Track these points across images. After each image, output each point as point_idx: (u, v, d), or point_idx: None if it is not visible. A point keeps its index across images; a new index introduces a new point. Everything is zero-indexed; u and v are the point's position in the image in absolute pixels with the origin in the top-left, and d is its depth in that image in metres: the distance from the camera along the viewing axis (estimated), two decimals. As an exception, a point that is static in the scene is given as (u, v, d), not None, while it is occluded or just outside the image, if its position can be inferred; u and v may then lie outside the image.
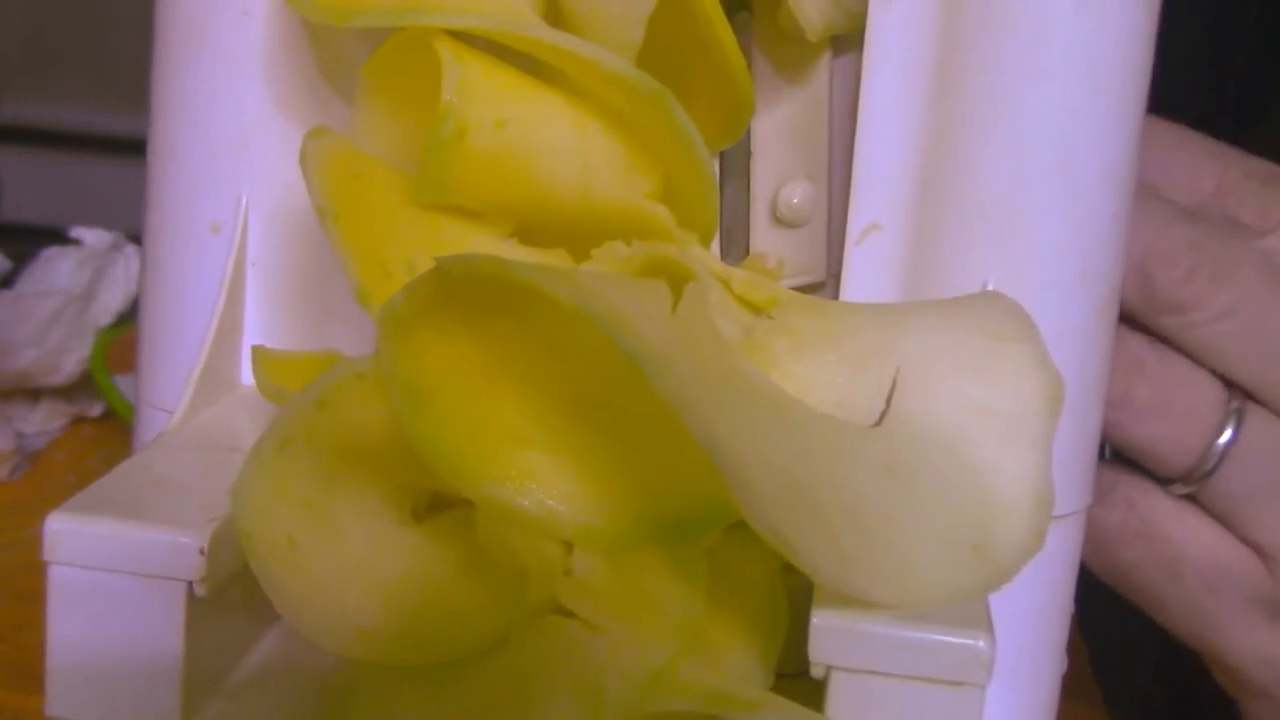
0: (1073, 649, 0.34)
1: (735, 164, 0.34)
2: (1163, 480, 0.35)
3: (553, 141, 0.30)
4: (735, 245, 0.35)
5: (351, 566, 0.27)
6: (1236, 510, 0.35)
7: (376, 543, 0.28)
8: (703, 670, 0.27)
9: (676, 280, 0.29)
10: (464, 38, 0.29)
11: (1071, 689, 0.34)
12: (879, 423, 0.27)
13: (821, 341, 0.28)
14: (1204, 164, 0.36)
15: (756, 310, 0.30)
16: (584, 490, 0.27)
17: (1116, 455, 0.36)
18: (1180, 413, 0.34)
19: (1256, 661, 0.37)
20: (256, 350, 0.31)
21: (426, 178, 0.28)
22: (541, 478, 0.26)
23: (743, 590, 0.29)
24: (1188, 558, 0.36)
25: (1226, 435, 0.35)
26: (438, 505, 0.28)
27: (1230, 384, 0.35)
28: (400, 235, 0.29)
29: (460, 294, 0.25)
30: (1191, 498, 0.36)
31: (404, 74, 0.30)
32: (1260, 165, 0.36)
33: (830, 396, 0.27)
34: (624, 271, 0.30)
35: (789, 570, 0.28)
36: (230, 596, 0.27)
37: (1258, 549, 0.36)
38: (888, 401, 0.27)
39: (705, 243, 0.31)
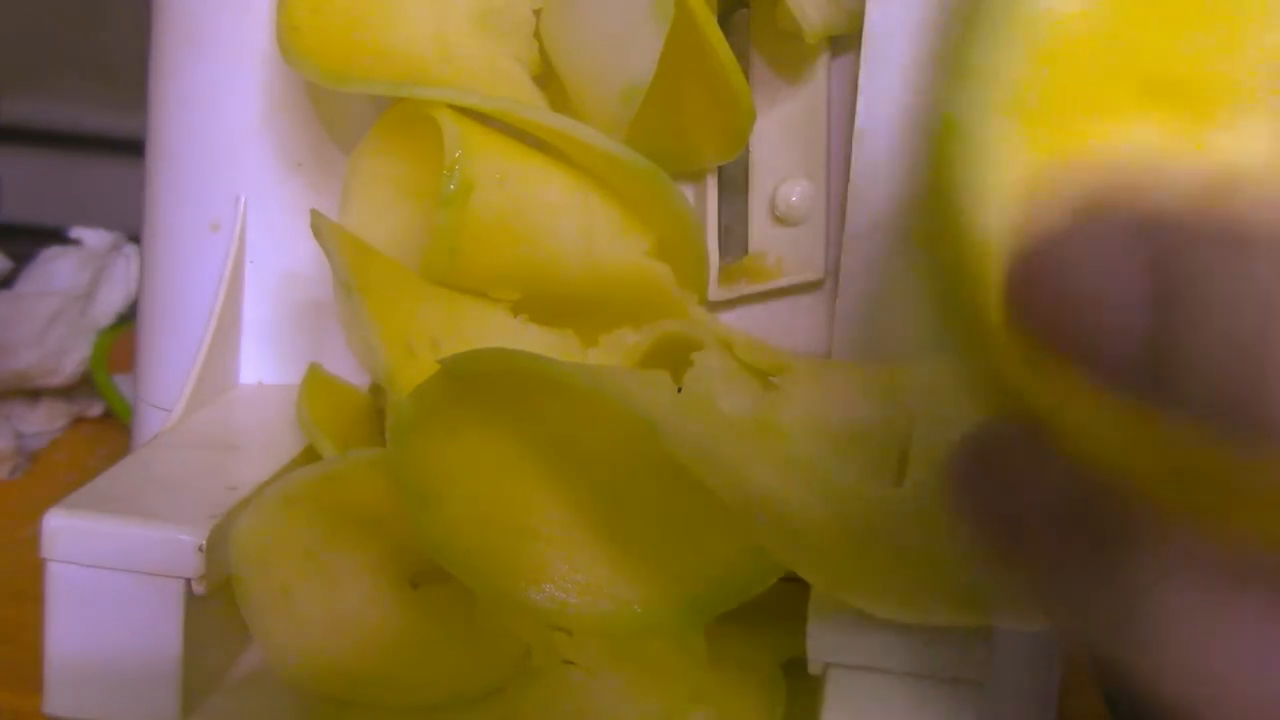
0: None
1: (734, 163, 0.34)
2: None
3: (553, 199, 0.30)
4: (734, 243, 0.35)
5: (345, 618, 0.28)
6: None
7: (371, 599, 0.28)
8: None
9: (683, 349, 0.30)
10: (461, 109, 0.29)
11: (1072, 689, 0.34)
12: (900, 484, 0.27)
13: (830, 413, 0.29)
14: None
15: (761, 374, 0.31)
16: (593, 580, 0.27)
17: None
18: None
19: None
20: (313, 368, 0.32)
21: (436, 237, 0.28)
22: (551, 571, 0.27)
23: (744, 670, 0.29)
24: None
25: None
26: (435, 575, 0.28)
27: None
28: (420, 313, 0.29)
29: (468, 391, 0.26)
30: None
31: (392, 162, 0.31)
32: None
33: (845, 467, 0.28)
34: (631, 358, 0.31)
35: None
36: (228, 594, 0.27)
37: None
38: (902, 465, 0.27)
39: (700, 301, 0.32)
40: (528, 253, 0.30)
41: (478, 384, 0.26)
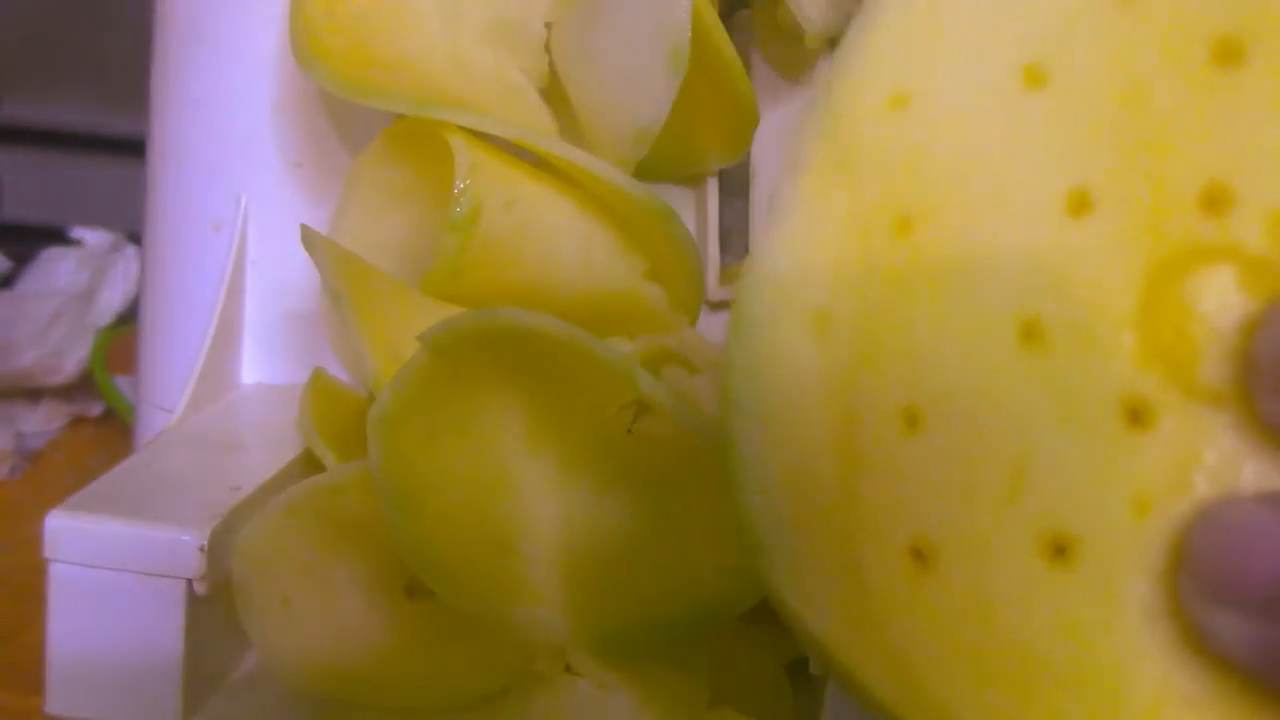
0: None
1: (735, 164, 0.34)
2: None
3: (556, 223, 0.30)
4: (735, 245, 0.35)
5: (344, 628, 0.28)
6: None
7: (371, 608, 0.28)
8: None
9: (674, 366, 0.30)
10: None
11: None
12: None
13: None
14: None
15: None
16: (575, 602, 0.26)
17: None
18: None
19: None
20: (317, 373, 0.31)
21: (441, 259, 0.28)
22: (531, 591, 0.26)
23: (749, 680, 0.29)
24: None
25: None
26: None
27: None
28: (411, 324, 0.29)
29: (448, 375, 0.25)
30: None
31: (393, 168, 0.31)
32: None
33: None
34: None
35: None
36: (230, 594, 0.27)
37: None
38: None
39: (691, 323, 0.32)
40: (528, 273, 0.30)
41: (458, 365, 0.25)
